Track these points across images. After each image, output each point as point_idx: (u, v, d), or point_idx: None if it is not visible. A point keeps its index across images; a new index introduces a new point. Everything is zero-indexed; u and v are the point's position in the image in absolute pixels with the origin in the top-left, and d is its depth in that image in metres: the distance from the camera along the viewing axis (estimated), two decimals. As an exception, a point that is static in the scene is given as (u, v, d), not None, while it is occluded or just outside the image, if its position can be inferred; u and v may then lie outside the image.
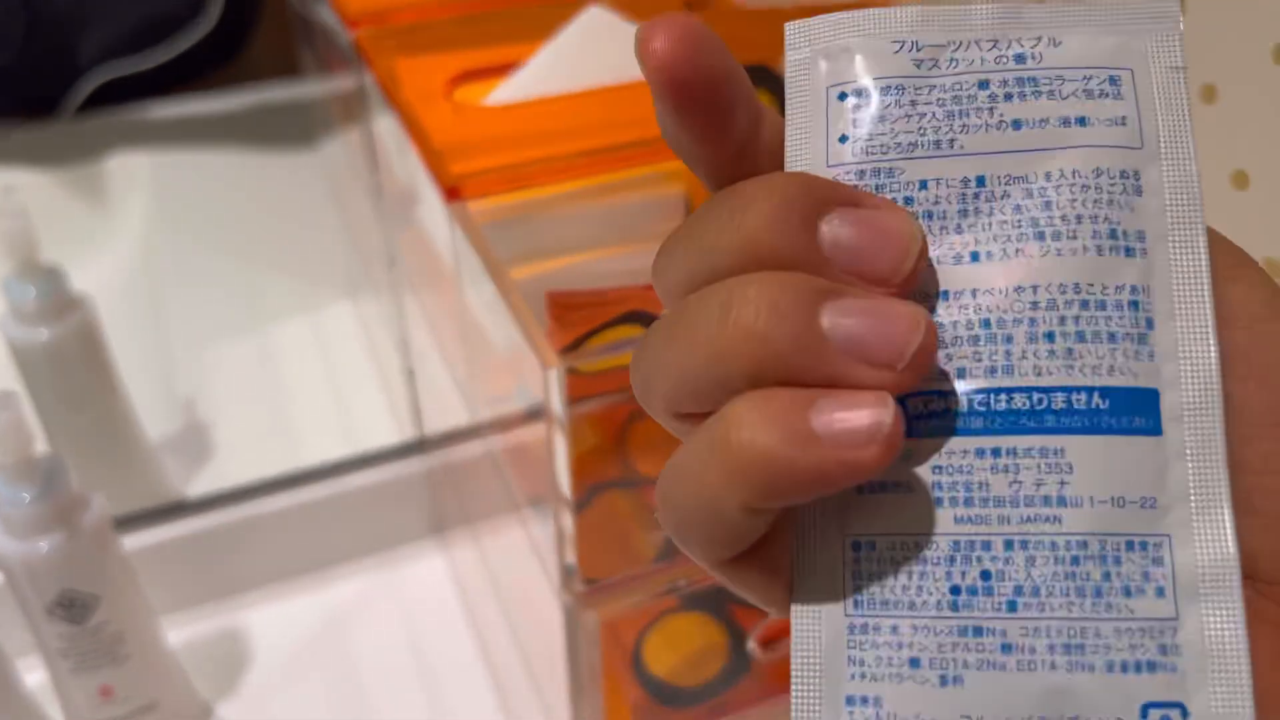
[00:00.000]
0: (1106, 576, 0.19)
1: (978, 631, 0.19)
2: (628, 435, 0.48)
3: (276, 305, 0.87)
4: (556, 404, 0.33)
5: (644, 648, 0.45)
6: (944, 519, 0.20)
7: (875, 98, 0.21)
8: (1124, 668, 0.19)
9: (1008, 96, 0.21)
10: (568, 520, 0.38)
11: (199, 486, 0.70)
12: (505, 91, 0.46)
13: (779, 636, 0.44)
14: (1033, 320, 0.20)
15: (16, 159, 0.95)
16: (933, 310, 0.20)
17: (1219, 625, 0.19)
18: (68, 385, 0.61)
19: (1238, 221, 0.32)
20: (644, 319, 0.34)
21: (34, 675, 0.56)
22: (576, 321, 0.33)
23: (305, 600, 0.66)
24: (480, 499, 0.59)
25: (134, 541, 0.62)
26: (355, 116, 0.65)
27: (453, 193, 0.40)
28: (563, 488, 0.36)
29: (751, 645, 0.44)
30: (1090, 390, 0.19)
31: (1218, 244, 0.21)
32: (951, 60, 0.21)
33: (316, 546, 0.67)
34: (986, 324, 0.20)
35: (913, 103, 0.21)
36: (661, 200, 0.44)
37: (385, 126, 0.58)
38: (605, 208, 0.44)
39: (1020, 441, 0.19)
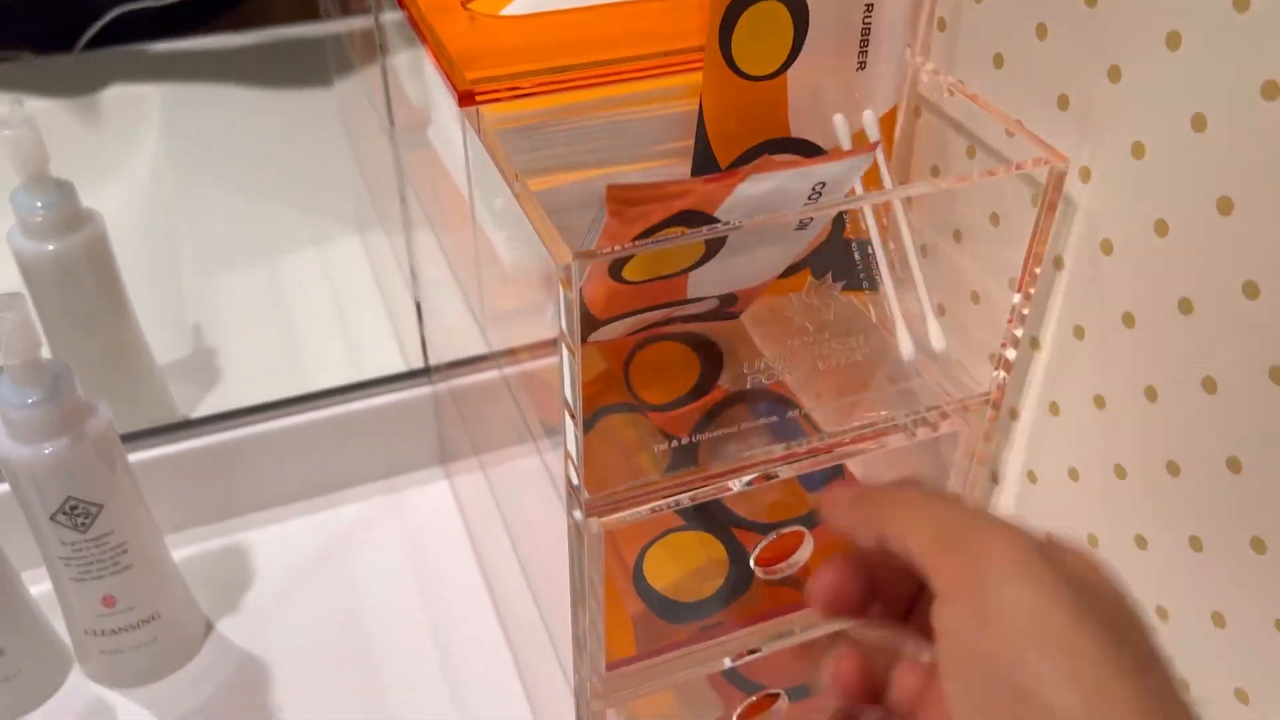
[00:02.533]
0: None
1: None
2: (631, 364, 0.48)
3: (286, 238, 0.87)
4: (573, 296, 0.32)
5: (645, 563, 0.45)
6: None
7: None
8: None
9: None
10: (575, 431, 0.38)
11: (205, 410, 0.70)
12: (522, 3, 0.45)
13: (780, 556, 0.44)
14: None
15: (29, 89, 0.95)
16: None
17: None
18: (75, 300, 0.61)
19: (1221, 246, 0.33)
20: (694, 219, 0.33)
21: (37, 588, 0.57)
22: (635, 218, 0.33)
23: (309, 521, 0.66)
24: (486, 424, 0.59)
25: (139, 459, 0.62)
26: (370, 52, 0.64)
27: (466, 97, 0.39)
28: (572, 395, 0.36)
29: (752, 564, 0.44)
30: None
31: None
32: None
33: (322, 469, 0.67)
34: None
35: None
36: (675, 116, 0.43)
37: (401, 60, 0.58)
38: (618, 122, 0.43)
39: None
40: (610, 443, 0.46)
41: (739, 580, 0.45)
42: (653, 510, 0.40)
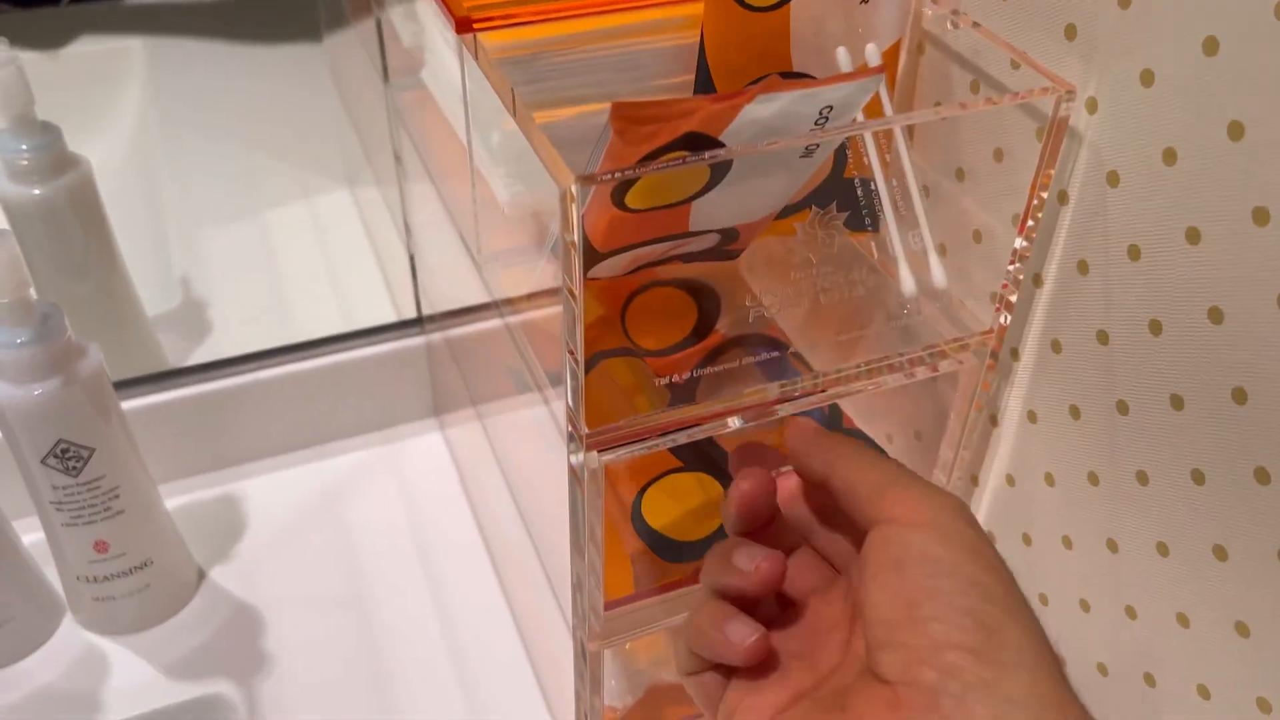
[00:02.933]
0: None
1: None
2: (629, 310, 0.47)
3: (274, 192, 0.86)
4: (575, 222, 0.32)
5: (644, 502, 0.45)
6: None
7: None
8: None
9: None
10: (574, 366, 0.37)
11: (195, 361, 0.69)
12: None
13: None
14: None
15: (12, 42, 0.93)
16: None
17: None
18: (62, 245, 0.60)
19: (1231, 172, 0.33)
20: (700, 142, 0.33)
21: (29, 538, 0.56)
22: (640, 138, 0.32)
23: (303, 471, 0.66)
24: (483, 372, 0.58)
25: (129, 407, 0.61)
26: (363, 2, 0.63)
27: (463, 24, 0.39)
28: (572, 331, 0.36)
29: None
30: None
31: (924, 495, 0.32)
32: None
33: (314, 419, 0.67)
34: None
35: None
36: (676, 48, 0.43)
37: (395, 11, 0.57)
38: (618, 54, 0.43)
39: None
40: (608, 385, 0.46)
41: None
42: (650, 448, 0.40)
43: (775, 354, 0.42)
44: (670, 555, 0.44)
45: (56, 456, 0.49)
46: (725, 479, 0.46)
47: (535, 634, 0.55)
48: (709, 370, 0.41)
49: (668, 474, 0.46)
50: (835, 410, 0.51)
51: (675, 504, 0.45)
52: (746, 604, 0.36)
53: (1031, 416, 0.45)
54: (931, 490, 0.33)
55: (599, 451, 0.39)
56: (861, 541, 0.33)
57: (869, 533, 0.33)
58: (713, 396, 0.41)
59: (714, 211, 0.37)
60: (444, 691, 0.54)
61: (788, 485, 0.38)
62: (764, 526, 0.38)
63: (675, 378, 0.41)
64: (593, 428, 0.39)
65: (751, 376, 0.42)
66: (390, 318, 0.70)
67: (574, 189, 0.31)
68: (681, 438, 0.40)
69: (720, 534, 0.44)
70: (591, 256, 0.37)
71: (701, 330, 0.49)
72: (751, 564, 0.34)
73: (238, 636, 0.57)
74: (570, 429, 0.39)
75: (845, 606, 0.35)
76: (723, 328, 0.46)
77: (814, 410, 0.48)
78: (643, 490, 0.45)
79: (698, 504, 0.45)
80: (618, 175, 0.32)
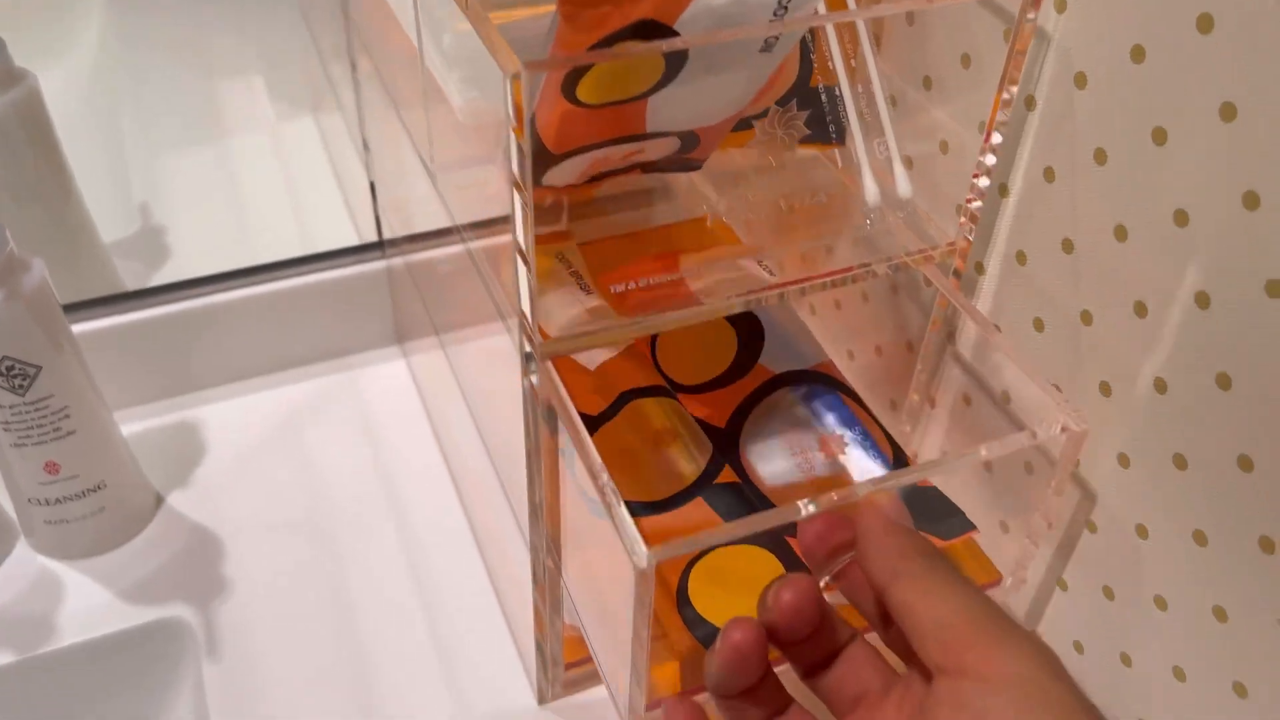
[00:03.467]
0: None
1: None
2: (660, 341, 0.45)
3: (236, 117, 0.84)
4: (525, 110, 0.31)
5: (690, 582, 0.41)
6: None
7: None
8: None
9: None
10: (528, 275, 0.36)
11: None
12: None
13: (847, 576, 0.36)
14: None
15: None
16: None
17: None
18: (10, 162, 0.58)
19: (1199, 68, 0.32)
20: (653, 30, 0.31)
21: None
22: (590, 24, 0.30)
23: (263, 397, 0.65)
24: (443, 296, 0.57)
25: (83, 330, 0.60)
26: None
27: (412, -86, 0.37)
28: (524, 235, 0.35)
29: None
30: None
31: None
32: None
33: (274, 344, 0.65)
34: None
35: None
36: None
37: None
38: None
39: None
40: (638, 429, 0.45)
41: None
42: (706, 543, 0.36)
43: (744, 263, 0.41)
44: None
45: (3, 374, 0.48)
46: (781, 549, 0.42)
47: (497, 556, 0.55)
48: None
49: (715, 548, 0.42)
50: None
51: (723, 585, 0.41)
52: (775, 702, 0.33)
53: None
54: (1012, 635, 0.28)
55: (552, 361, 0.38)
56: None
57: (936, 680, 0.28)
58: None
59: (671, 110, 0.36)
60: (406, 613, 0.54)
61: (854, 569, 0.34)
62: (813, 631, 0.33)
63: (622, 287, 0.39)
64: (547, 335, 0.38)
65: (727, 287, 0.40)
66: (352, 241, 0.68)
67: (523, 75, 0.30)
68: (743, 530, 0.34)
69: None
70: (544, 159, 0.36)
71: (742, 362, 0.47)
72: None
73: (196, 561, 0.56)
74: (525, 338, 0.38)
75: (902, 717, 0.31)
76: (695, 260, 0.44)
77: (904, 489, 0.43)
78: (689, 567, 0.42)
79: (749, 581, 0.41)
80: (566, 58, 0.31)
